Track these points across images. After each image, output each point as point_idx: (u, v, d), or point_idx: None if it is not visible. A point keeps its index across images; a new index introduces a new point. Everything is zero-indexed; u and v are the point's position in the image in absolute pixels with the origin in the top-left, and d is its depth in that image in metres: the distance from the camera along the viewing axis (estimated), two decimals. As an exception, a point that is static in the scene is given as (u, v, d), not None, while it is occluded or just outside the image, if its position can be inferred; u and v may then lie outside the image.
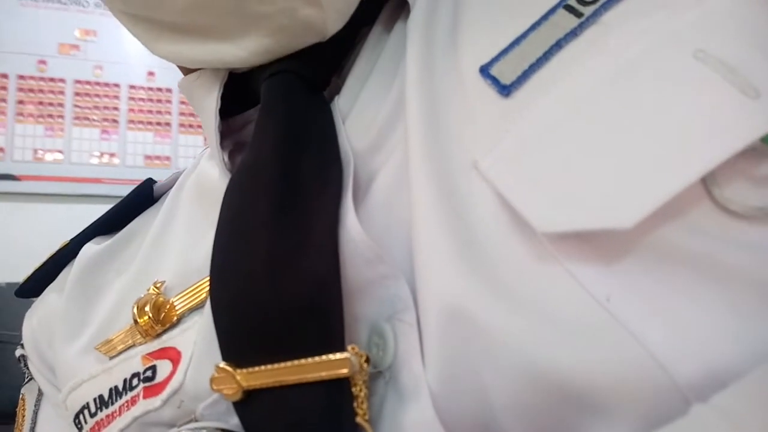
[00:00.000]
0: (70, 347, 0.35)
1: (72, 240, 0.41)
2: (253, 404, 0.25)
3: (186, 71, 0.36)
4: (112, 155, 1.96)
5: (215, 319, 0.26)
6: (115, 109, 1.97)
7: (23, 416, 0.40)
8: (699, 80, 0.21)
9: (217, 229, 0.27)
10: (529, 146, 0.23)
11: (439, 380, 0.23)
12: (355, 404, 0.23)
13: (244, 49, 0.30)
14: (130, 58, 2.00)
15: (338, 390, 0.23)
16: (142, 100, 2.01)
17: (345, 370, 0.23)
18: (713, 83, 0.20)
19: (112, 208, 0.41)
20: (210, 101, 0.33)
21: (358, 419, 0.23)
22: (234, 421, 0.26)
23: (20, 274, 0.43)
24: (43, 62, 1.92)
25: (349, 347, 0.23)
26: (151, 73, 2.02)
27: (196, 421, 0.27)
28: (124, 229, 0.40)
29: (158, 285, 0.32)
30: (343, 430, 0.23)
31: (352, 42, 0.33)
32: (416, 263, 0.24)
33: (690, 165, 0.20)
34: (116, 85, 1.98)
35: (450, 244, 0.23)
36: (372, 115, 0.29)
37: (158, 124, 2.02)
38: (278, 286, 0.24)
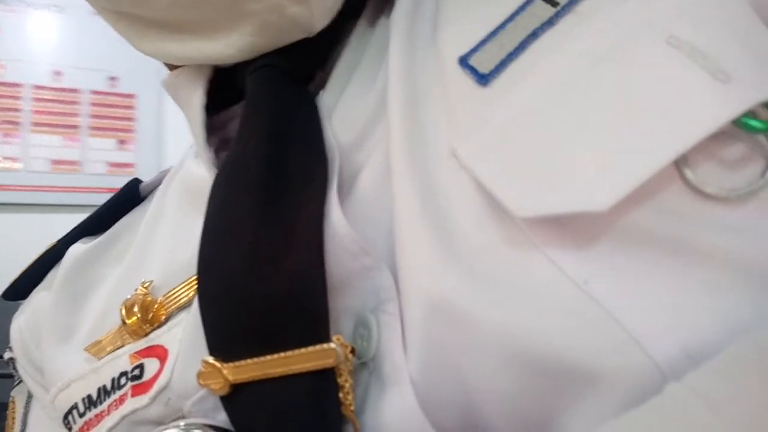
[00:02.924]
0: (59, 347, 0.34)
1: (59, 241, 0.40)
2: (239, 398, 0.24)
3: (171, 67, 0.35)
4: (13, 160, 1.83)
5: (202, 313, 0.25)
6: (17, 110, 1.85)
7: (13, 419, 0.39)
8: (672, 65, 0.21)
9: (203, 225, 0.27)
10: (505, 133, 0.23)
11: (420, 369, 0.23)
12: (340, 395, 0.23)
13: (230, 46, 0.30)
14: (34, 56, 1.88)
15: (324, 380, 0.23)
16: (48, 101, 1.89)
17: (330, 360, 0.23)
18: (686, 68, 0.21)
19: (99, 208, 0.41)
20: (195, 97, 0.33)
21: (344, 410, 0.23)
22: (221, 417, 0.25)
23: None
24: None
25: (334, 338, 0.23)
26: (57, 73, 1.90)
27: (184, 418, 0.26)
28: (111, 229, 0.39)
29: (146, 285, 0.31)
30: (328, 421, 0.23)
31: (337, 36, 0.33)
32: (398, 255, 0.25)
33: (663, 148, 0.20)
34: (18, 85, 1.85)
35: (430, 234, 0.24)
36: (357, 110, 0.30)
37: (66, 126, 1.91)
38: (264, 281, 0.24)
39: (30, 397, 0.39)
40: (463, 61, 0.26)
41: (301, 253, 0.24)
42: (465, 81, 0.26)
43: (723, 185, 0.21)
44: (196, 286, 0.27)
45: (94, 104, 1.95)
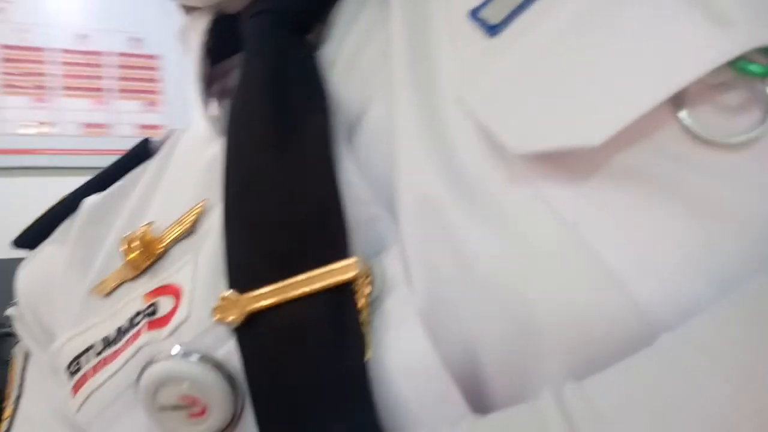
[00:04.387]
0: (75, 298, 0.35)
1: (70, 194, 0.41)
2: (254, 326, 0.25)
3: (186, 12, 0.37)
4: (45, 124, 1.86)
5: (228, 237, 0.27)
6: (42, 74, 1.87)
7: (13, 376, 0.40)
8: (671, 8, 0.22)
9: (224, 157, 0.29)
10: (509, 79, 0.25)
11: (425, 303, 0.23)
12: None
13: None
14: (59, 20, 1.89)
15: (342, 295, 0.24)
16: (75, 64, 1.91)
17: (352, 274, 0.24)
18: (685, 11, 0.22)
19: (109, 165, 0.42)
20: (195, 41, 0.35)
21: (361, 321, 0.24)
22: (221, 352, 0.26)
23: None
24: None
25: (353, 257, 0.24)
26: (83, 36, 1.92)
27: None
28: (122, 180, 0.40)
29: (149, 225, 0.32)
30: (347, 334, 0.24)
31: None
32: (396, 174, 0.26)
33: (657, 86, 0.21)
34: (40, 50, 1.87)
35: (430, 160, 0.25)
36: (357, 64, 0.31)
37: (93, 89, 1.93)
38: (288, 203, 0.26)
39: (28, 354, 0.40)
40: (474, 14, 0.27)
41: (318, 182, 0.26)
42: (475, 32, 0.27)
43: (720, 131, 0.21)
44: (192, 219, 0.29)
45: (119, 66, 1.96)
